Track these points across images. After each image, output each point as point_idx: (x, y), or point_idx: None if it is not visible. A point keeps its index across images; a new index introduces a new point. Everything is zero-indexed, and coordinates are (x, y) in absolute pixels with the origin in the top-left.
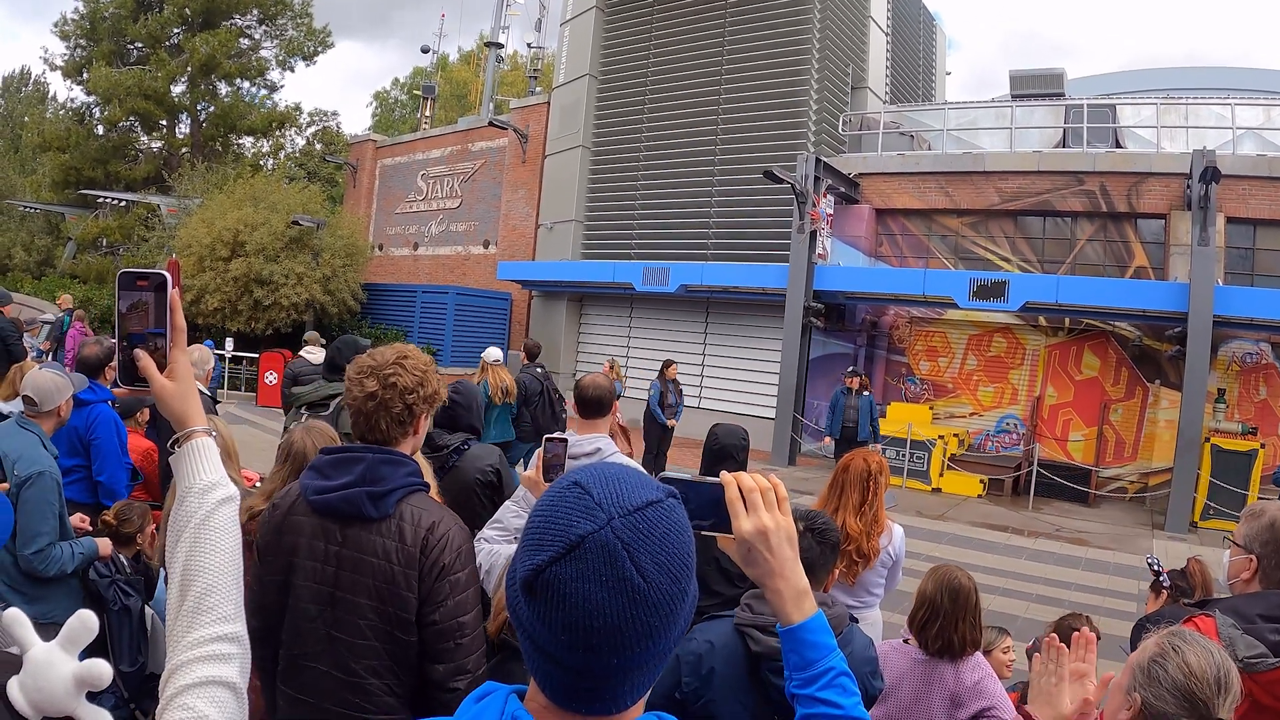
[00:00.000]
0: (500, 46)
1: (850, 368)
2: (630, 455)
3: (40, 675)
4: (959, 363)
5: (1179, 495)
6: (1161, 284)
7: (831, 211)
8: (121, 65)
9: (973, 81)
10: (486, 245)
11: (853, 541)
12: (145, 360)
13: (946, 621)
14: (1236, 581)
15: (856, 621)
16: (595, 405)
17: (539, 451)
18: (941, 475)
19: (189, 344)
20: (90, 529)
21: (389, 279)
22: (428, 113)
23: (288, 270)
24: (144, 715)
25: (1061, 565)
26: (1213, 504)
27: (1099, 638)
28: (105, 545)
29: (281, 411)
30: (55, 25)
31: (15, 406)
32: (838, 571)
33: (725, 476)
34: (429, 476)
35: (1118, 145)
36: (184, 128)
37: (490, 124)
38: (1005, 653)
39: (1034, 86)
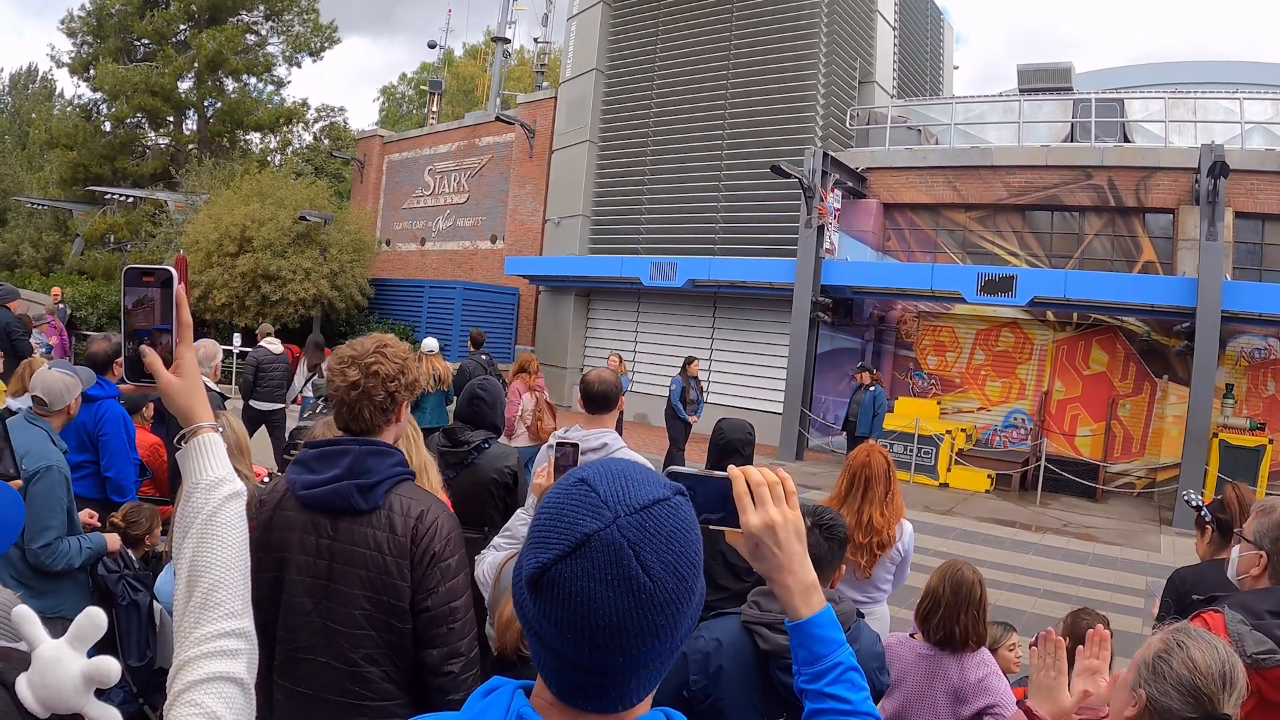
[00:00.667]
0: (507, 41)
1: (859, 363)
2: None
3: (49, 673)
4: (967, 357)
5: (1187, 491)
6: (1170, 279)
7: (839, 206)
8: (128, 62)
9: (980, 76)
10: (494, 240)
11: (877, 534)
12: (151, 356)
13: (948, 612)
14: (1246, 577)
15: (863, 617)
16: (601, 400)
17: (550, 455)
18: (949, 470)
19: (196, 339)
20: (99, 525)
21: (396, 274)
22: (434, 108)
23: (295, 266)
24: (152, 710)
25: (1069, 561)
26: None
27: (1111, 634)
28: (114, 540)
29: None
30: (62, 22)
31: (23, 403)
32: (864, 563)
33: (733, 471)
34: (435, 473)
35: (1126, 140)
36: (191, 124)
37: (497, 119)
38: (1011, 649)
39: (1042, 81)
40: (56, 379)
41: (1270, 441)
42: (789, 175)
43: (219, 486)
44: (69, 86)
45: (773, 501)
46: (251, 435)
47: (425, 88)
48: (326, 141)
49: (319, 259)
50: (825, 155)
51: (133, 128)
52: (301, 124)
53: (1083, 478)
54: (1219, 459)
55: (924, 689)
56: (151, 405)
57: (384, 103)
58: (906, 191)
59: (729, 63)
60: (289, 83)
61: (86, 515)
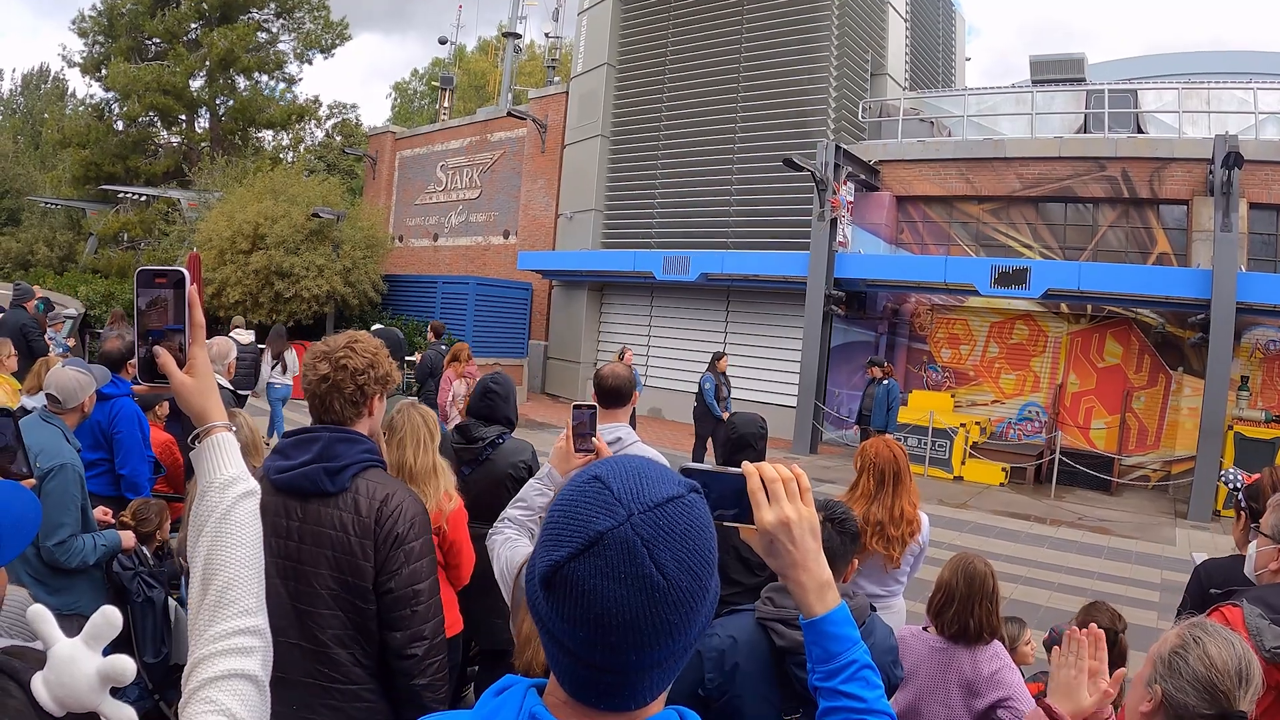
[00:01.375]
0: (518, 37)
1: (869, 357)
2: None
3: (64, 672)
4: (980, 350)
5: (1202, 483)
6: (1184, 270)
7: (852, 199)
8: (140, 61)
9: (993, 67)
10: (506, 235)
11: (909, 525)
12: (165, 357)
13: (962, 605)
14: (1264, 572)
15: (876, 610)
16: (615, 394)
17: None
18: (963, 463)
19: (210, 337)
20: (113, 522)
21: (409, 270)
22: (446, 104)
23: (308, 262)
24: (168, 706)
25: (1084, 554)
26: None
27: (1125, 628)
28: (128, 538)
29: (305, 403)
30: (73, 22)
31: (38, 401)
32: (896, 555)
33: (747, 467)
34: (448, 476)
35: (1139, 131)
36: (203, 122)
37: (509, 114)
38: (1028, 644)
39: (1054, 72)
40: (70, 377)
41: None
42: (801, 168)
43: (232, 485)
44: (81, 86)
45: (787, 498)
46: None
47: (437, 84)
48: (339, 138)
49: (332, 256)
50: (837, 148)
51: (145, 126)
52: (313, 121)
53: (1097, 471)
54: (1234, 451)
55: (937, 682)
56: (165, 404)
57: (396, 99)
58: (919, 184)
59: (740, 55)
60: (301, 80)
61: (101, 512)
